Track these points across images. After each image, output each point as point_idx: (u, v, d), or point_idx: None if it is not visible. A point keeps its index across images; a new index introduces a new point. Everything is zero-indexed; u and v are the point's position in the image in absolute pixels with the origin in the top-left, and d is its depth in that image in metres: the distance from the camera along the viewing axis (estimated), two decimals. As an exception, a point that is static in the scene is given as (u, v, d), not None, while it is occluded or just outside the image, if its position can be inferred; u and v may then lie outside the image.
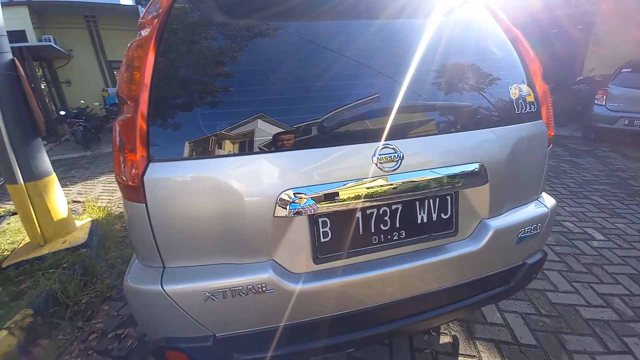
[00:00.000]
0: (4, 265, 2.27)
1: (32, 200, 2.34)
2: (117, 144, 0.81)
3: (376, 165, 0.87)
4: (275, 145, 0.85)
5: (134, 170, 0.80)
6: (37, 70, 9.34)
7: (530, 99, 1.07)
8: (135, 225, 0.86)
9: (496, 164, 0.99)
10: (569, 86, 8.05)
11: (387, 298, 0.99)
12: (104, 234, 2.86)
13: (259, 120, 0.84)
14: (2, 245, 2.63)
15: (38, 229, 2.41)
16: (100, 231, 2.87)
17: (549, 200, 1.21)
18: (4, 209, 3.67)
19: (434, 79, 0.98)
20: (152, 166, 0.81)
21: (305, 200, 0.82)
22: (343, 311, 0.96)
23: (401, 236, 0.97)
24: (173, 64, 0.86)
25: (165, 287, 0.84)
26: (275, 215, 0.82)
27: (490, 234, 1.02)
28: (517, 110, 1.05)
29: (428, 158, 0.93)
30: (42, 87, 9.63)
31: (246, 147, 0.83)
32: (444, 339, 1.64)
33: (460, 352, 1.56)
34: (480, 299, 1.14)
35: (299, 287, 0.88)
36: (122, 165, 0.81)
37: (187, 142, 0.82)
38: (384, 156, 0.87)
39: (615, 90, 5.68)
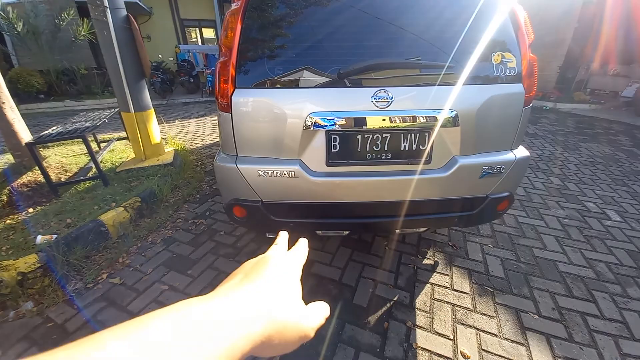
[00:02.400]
0: (118, 170, 3.23)
1: (138, 126, 3.20)
2: (217, 75, 1.36)
3: (373, 103, 1.30)
4: (306, 83, 1.32)
5: (227, 93, 1.35)
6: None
7: (512, 65, 1.35)
8: (224, 127, 1.43)
9: (468, 113, 1.34)
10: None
11: (376, 198, 1.46)
12: (182, 160, 3.73)
13: (298, 68, 1.31)
14: (113, 159, 3.64)
15: (142, 147, 3.31)
16: (179, 159, 3.74)
17: (521, 152, 1.51)
18: (110, 136, 4.82)
19: (428, 41, 1.32)
20: (237, 91, 1.35)
21: (322, 121, 1.30)
22: (345, 201, 1.47)
23: (387, 157, 1.41)
24: (252, 28, 1.35)
25: (238, 165, 1.42)
26: (304, 128, 1.32)
27: (457, 166, 1.40)
28: (496, 73, 1.35)
29: (412, 102, 1.32)
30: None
31: (290, 84, 1.32)
32: (427, 262, 2.09)
33: (437, 271, 2.01)
34: (447, 216, 1.55)
35: (314, 178, 1.40)
36: (219, 90, 1.36)
37: (257, 77, 1.34)
38: (379, 98, 1.29)
39: None
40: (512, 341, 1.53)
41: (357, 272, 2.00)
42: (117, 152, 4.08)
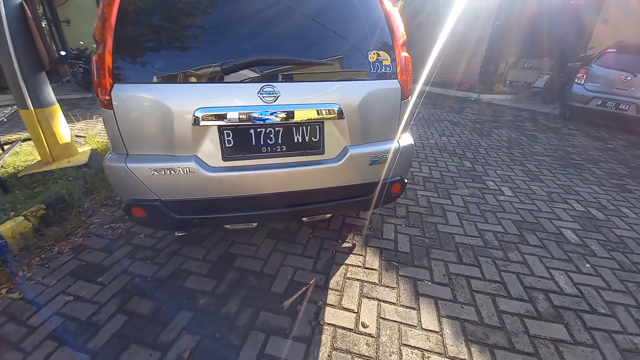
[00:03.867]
0: (20, 175, 2.88)
1: (40, 124, 2.86)
2: (94, 69, 1.29)
3: (260, 98, 1.35)
4: (192, 78, 1.32)
5: (106, 88, 1.29)
6: (38, 8, 9.29)
7: (387, 62, 1.51)
8: (109, 125, 1.37)
9: (351, 107, 1.47)
10: (566, 64, 8.05)
11: (277, 189, 1.53)
12: (102, 160, 3.43)
13: (183, 61, 1.30)
14: (17, 162, 3.21)
15: (47, 148, 2.97)
16: (99, 158, 3.43)
17: (406, 140, 1.70)
18: (16, 136, 4.22)
19: (310, 40, 1.41)
20: (117, 86, 1.29)
21: (210, 117, 1.32)
22: (247, 194, 1.51)
23: (282, 149, 1.48)
24: (130, 16, 1.29)
25: (128, 164, 1.38)
26: (193, 124, 1.33)
27: (347, 155, 1.53)
28: (373, 70, 1.49)
29: (299, 97, 1.40)
30: (43, 25, 9.65)
31: (174, 78, 1.31)
32: (345, 245, 2.25)
33: (353, 252, 2.18)
34: (346, 202, 1.69)
35: (212, 174, 1.42)
36: (98, 84, 1.30)
37: (139, 72, 1.30)
38: (266, 93, 1.35)
39: (596, 70, 5.79)
40: (407, 307, 1.75)
41: (279, 261, 2.08)
42: (23, 154, 3.61)
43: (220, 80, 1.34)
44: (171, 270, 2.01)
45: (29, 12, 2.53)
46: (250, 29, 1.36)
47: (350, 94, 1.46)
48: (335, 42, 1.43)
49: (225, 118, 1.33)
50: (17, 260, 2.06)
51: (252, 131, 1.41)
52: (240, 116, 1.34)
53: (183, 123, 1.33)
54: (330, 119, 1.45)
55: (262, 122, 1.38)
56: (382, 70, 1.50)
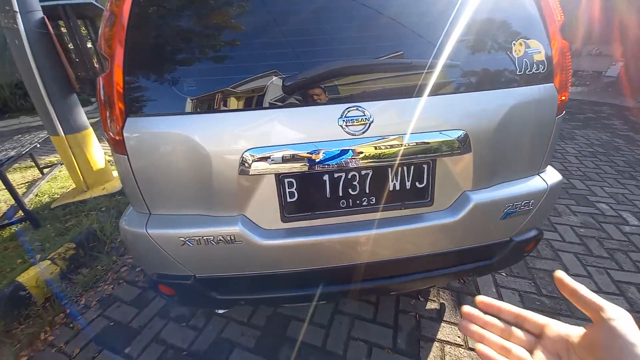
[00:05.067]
0: (53, 206, 2.68)
1: (73, 150, 2.65)
2: (100, 97, 0.88)
3: (342, 128, 0.85)
4: (237, 104, 0.85)
5: (116, 125, 0.87)
6: (82, 29, 9.81)
7: (540, 57, 0.93)
8: (123, 175, 0.95)
9: (483, 132, 0.91)
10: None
11: (356, 260, 1.02)
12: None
13: (222, 80, 0.84)
14: (53, 189, 3.06)
15: (81, 176, 2.75)
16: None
17: (552, 176, 1.10)
18: (56, 158, 4.20)
19: (412, 33, 0.88)
20: (130, 121, 0.86)
21: (267, 160, 0.84)
22: (315, 267, 1.02)
23: (371, 202, 0.96)
24: (147, 22, 0.87)
25: (149, 231, 0.95)
26: (240, 173, 0.86)
27: (470, 206, 0.98)
28: (519, 71, 0.92)
29: (401, 123, 0.87)
30: (89, 45, 10.18)
31: (211, 105, 0.85)
32: (431, 305, 1.68)
33: (444, 319, 1.60)
34: (457, 271, 1.13)
35: (266, 242, 0.94)
36: (104, 119, 0.88)
37: (160, 99, 0.86)
38: (351, 119, 0.84)
39: None
40: None
41: (345, 331, 1.56)
42: (61, 179, 3.49)
43: (281, 105, 0.86)
44: (210, 339, 1.58)
45: (51, 28, 2.29)
46: (322, 26, 0.86)
47: (482, 112, 0.91)
48: (454, 31, 0.88)
49: (288, 161, 0.85)
50: (40, 317, 1.78)
51: (326, 178, 0.92)
52: (311, 157, 0.85)
53: (225, 171, 0.87)
54: (446, 153, 0.90)
55: (343, 165, 0.87)
56: (533, 69, 0.93)
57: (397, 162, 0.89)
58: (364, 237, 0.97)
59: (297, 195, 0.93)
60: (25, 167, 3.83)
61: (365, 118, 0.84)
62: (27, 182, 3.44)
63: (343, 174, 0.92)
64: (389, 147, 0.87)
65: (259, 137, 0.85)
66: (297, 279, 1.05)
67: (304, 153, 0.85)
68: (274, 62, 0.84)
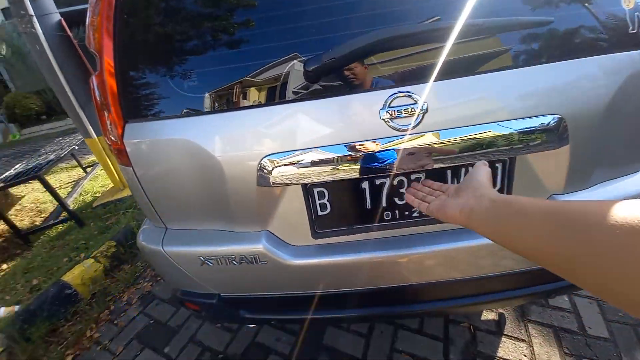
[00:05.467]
0: (94, 205, 2.80)
1: (107, 151, 2.71)
2: (95, 102, 0.75)
3: (386, 121, 0.64)
4: (250, 99, 0.68)
5: (115, 131, 0.75)
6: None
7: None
8: (132, 187, 0.85)
9: (586, 116, 0.64)
10: None
11: (402, 281, 0.84)
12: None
13: (229, 71, 0.67)
14: (95, 188, 3.22)
15: (116, 175, 2.83)
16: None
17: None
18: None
19: None
20: (130, 127, 0.74)
21: (290, 168, 0.67)
22: (353, 289, 0.86)
23: (422, 214, 0.76)
24: (138, 5, 0.71)
25: (165, 248, 0.85)
26: (259, 184, 0.70)
27: (559, 214, 0.73)
28: (633, 28, 0.62)
29: (467, 110, 0.64)
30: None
31: (218, 103, 0.69)
32: (488, 315, 1.46)
33: (506, 333, 1.37)
34: (534, 292, 0.89)
35: (295, 261, 0.79)
36: (103, 125, 0.76)
37: (160, 98, 0.72)
38: (397, 109, 0.63)
39: None
40: None
41: (388, 342, 1.41)
42: (102, 178, 3.68)
43: (304, 97, 0.66)
44: (245, 344, 1.53)
45: (67, 29, 2.26)
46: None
47: (584, 88, 0.64)
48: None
49: (317, 167, 0.67)
50: (87, 313, 1.86)
51: (365, 185, 0.73)
52: (345, 161, 0.66)
53: (241, 181, 0.72)
54: (533, 148, 0.66)
55: (387, 169, 0.67)
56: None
57: (458, 162, 0.67)
58: (415, 255, 0.77)
59: (330, 207, 0.75)
60: (71, 167, 4.10)
61: (417, 107, 0.62)
62: (72, 182, 3.67)
63: (387, 180, 0.72)
64: (449, 143, 0.64)
65: (279, 139, 0.67)
66: (334, 300, 0.89)
67: (335, 156, 0.66)
68: (292, 41, 0.65)
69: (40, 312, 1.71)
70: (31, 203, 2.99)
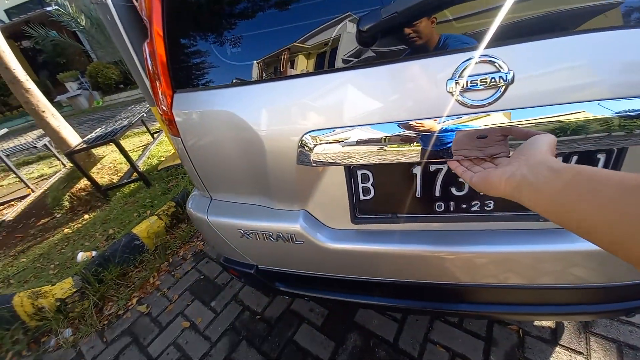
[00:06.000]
0: (159, 168, 3.11)
1: (167, 119, 2.93)
2: (149, 70, 0.77)
3: (454, 94, 0.52)
4: (297, 67, 0.61)
5: (165, 101, 0.76)
6: None
7: None
8: (181, 156, 0.88)
9: None
10: None
11: (449, 279, 0.75)
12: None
13: (274, 37, 0.60)
14: (160, 152, 3.55)
15: (175, 142, 3.08)
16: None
17: None
18: (164, 124, 4.88)
19: None
20: (178, 97, 0.74)
21: (333, 146, 0.61)
22: (397, 279, 0.81)
23: (487, 207, 0.64)
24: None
25: (210, 218, 0.88)
26: (299, 162, 0.66)
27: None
28: None
29: (563, 80, 0.49)
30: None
31: (262, 72, 0.64)
32: (543, 322, 1.30)
33: (561, 343, 1.21)
34: (610, 309, 0.74)
35: (332, 245, 0.76)
36: (154, 95, 0.78)
37: (208, 67, 0.69)
38: (472, 79, 0.51)
39: None
40: None
41: (422, 331, 1.36)
42: (166, 143, 4.04)
43: (356, 64, 0.58)
44: (281, 309, 1.62)
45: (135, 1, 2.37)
46: None
47: None
48: None
49: (362, 147, 0.59)
50: (151, 262, 2.14)
51: (417, 171, 0.64)
52: (396, 142, 0.58)
53: (281, 158, 0.69)
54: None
55: (447, 153, 0.57)
56: None
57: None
58: (468, 254, 0.68)
59: (374, 191, 0.69)
60: (142, 132, 4.57)
61: (499, 77, 0.50)
62: (142, 146, 4.11)
63: (444, 167, 0.61)
64: (537, 125, 0.51)
65: (324, 113, 0.61)
66: (369, 287, 0.85)
67: (384, 136, 0.57)
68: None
69: (113, 258, 2.00)
70: (110, 163, 3.46)
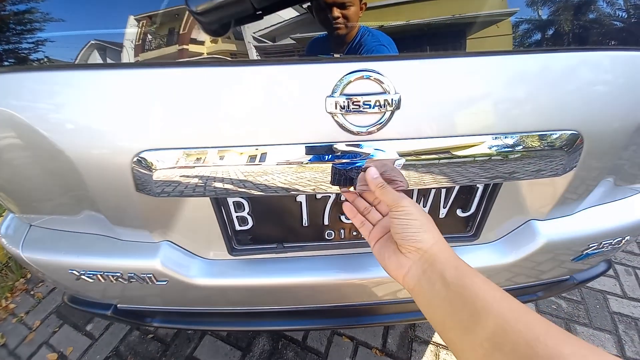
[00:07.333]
0: None
1: None
2: None
3: (334, 117, 0.40)
4: (123, 54, 0.40)
5: None
6: None
7: None
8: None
9: (607, 132, 0.46)
10: None
11: (343, 301, 0.70)
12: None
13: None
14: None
15: None
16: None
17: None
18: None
19: None
20: None
21: (185, 169, 0.43)
22: (282, 307, 0.71)
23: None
24: None
25: (25, 254, 0.60)
26: (139, 189, 0.46)
27: (534, 247, 0.60)
28: None
29: (451, 109, 0.42)
30: None
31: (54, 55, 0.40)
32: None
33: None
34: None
35: (208, 282, 0.60)
36: None
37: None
38: (354, 97, 0.39)
39: None
40: None
41: (325, 334, 1.37)
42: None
43: (200, 61, 0.39)
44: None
45: None
46: None
47: (607, 94, 0.44)
48: None
49: (220, 172, 0.44)
50: (1, 280, 1.60)
51: (302, 199, 0.52)
52: (271, 168, 0.44)
53: (111, 186, 0.47)
54: (530, 172, 0.48)
55: (331, 182, 0.46)
56: None
57: (432, 184, 0.48)
58: (359, 278, 0.62)
59: (253, 221, 0.55)
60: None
61: (387, 100, 0.39)
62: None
63: (333, 195, 0.51)
64: (422, 156, 0.44)
65: (162, 127, 0.42)
66: (262, 315, 0.74)
67: (245, 161, 0.42)
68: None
69: None
70: None
